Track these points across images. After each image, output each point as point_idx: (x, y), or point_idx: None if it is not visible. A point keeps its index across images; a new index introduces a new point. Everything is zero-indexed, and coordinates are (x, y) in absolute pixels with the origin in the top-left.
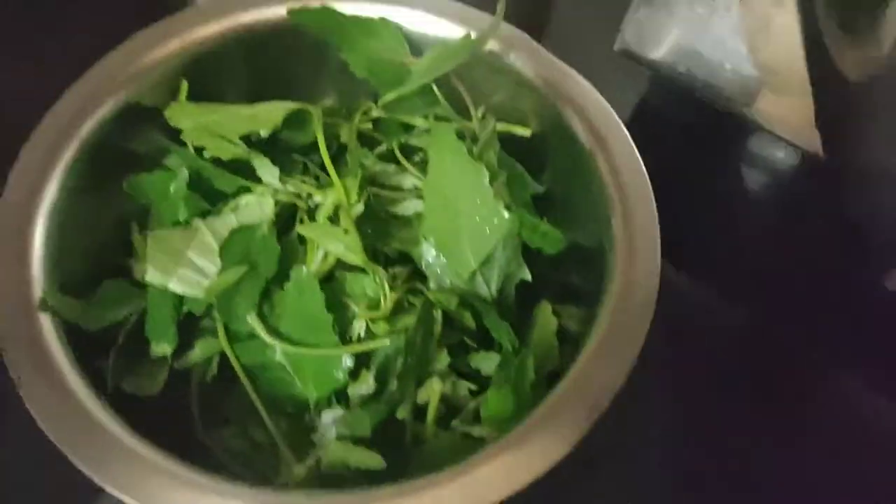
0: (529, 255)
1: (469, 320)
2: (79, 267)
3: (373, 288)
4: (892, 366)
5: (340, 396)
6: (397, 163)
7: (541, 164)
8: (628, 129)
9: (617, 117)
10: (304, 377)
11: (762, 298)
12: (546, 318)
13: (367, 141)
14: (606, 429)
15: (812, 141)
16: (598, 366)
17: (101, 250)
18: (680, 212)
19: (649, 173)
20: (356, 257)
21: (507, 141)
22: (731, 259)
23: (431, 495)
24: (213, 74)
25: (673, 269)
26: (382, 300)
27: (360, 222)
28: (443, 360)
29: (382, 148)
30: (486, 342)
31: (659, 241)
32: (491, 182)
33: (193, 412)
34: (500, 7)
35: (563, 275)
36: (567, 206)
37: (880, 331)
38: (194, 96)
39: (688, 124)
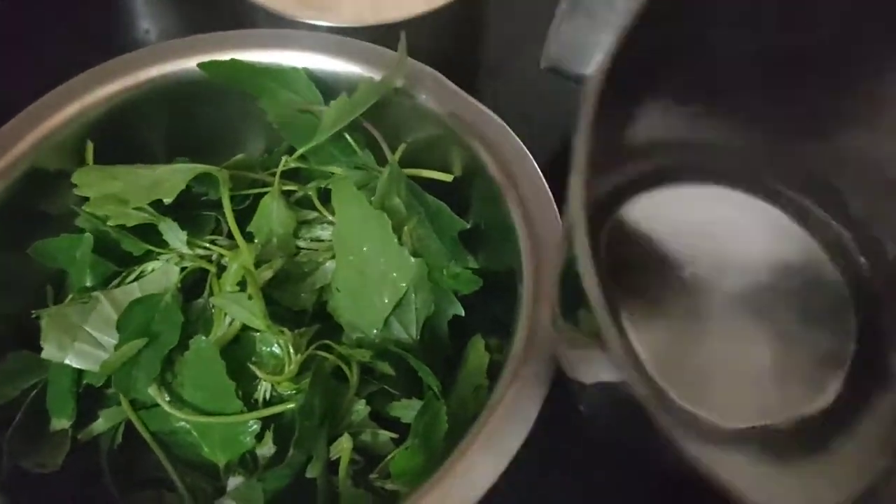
0: None
1: (387, 369)
2: None
3: (278, 349)
4: None
5: (250, 457)
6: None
7: (467, 201)
8: (563, 148)
9: (526, 151)
10: (210, 443)
11: None
12: (477, 354)
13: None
14: None
15: None
16: (506, 410)
17: (18, 315)
18: None
19: None
20: (259, 323)
21: (434, 185)
22: None
23: None
24: (130, 129)
25: None
26: (287, 362)
27: (275, 283)
28: (361, 411)
29: (300, 194)
30: (414, 384)
31: None
32: (397, 228)
33: (106, 480)
34: (402, 47)
35: (492, 307)
36: (489, 240)
37: None
38: (112, 153)
39: None
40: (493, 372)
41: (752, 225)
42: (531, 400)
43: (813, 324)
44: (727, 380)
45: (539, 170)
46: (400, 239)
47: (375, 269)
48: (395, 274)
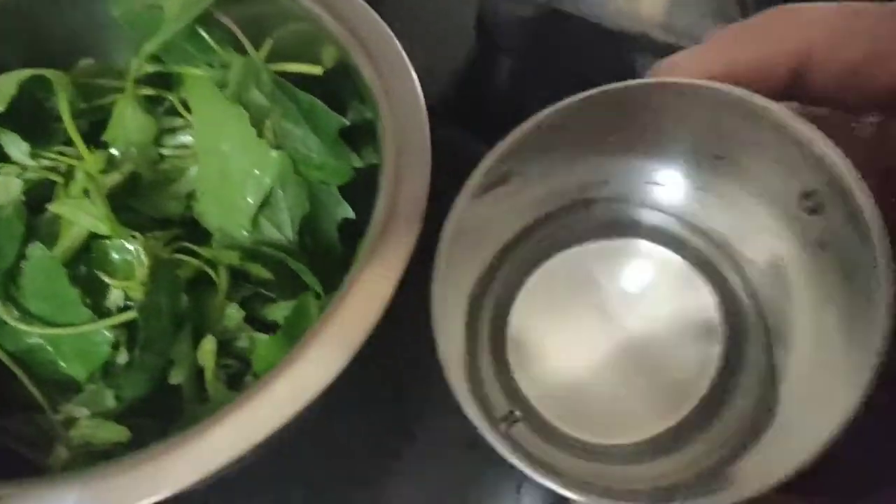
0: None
1: (261, 271)
2: None
3: (131, 255)
4: None
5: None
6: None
7: (346, 98)
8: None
9: (406, 61)
10: (66, 356)
11: None
12: None
13: (155, 99)
14: None
15: None
16: (358, 293)
17: None
18: None
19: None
20: (105, 227)
21: (311, 79)
22: None
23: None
24: None
25: None
26: (137, 268)
27: (137, 192)
28: (234, 315)
29: (168, 105)
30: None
31: (429, 162)
32: (257, 123)
33: None
34: None
35: None
36: (371, 135)
37: None
38: None
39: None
40: None
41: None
42: (385, 281)
43: (681, 356)
44: (603, 407)
45: (415, 77)
46: (262, 134)
47: (237, 168)
48: (257, 171)
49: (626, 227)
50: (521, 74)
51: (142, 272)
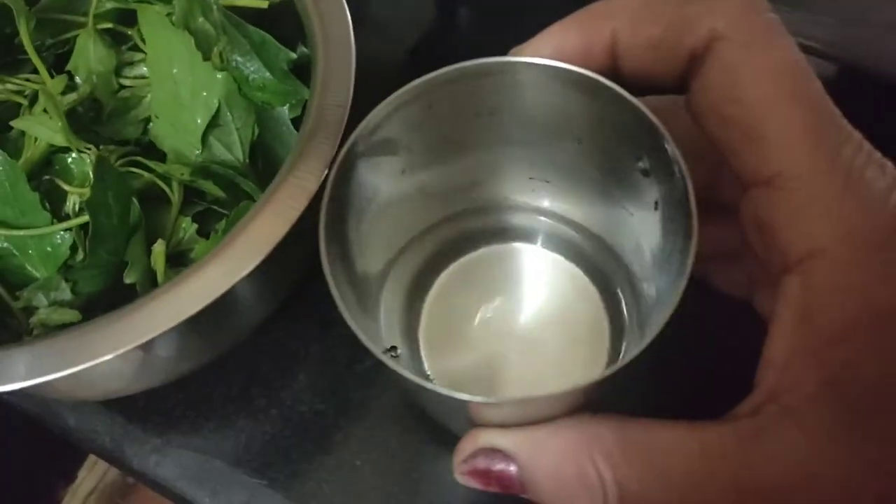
0: None
1: (211, 187)
2: None
3: (87, 166)
4: None
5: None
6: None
7: (293, 33)
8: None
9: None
10: (29, 258)
11: None
12: None
13: (121, 36)
14: None
15: None
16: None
17: None
18: None
19: None
20: (60, 138)
21: (259, 14)
22: None
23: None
24: None
25: None
26: (91, 176)
27: (100, 119)
28: (188, 228)
29: (131, 43)
30: None
31: (352, 76)
32: (205, 49)
33: None
34: None
35: None
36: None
37: None
38: None
39: None
40: None
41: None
42: (301, 191)
43: (577, 349)
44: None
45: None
46: (209, 59)
47: (186, 90)
48: (205, 93)
49: (519, 232)
50: (480, 27)
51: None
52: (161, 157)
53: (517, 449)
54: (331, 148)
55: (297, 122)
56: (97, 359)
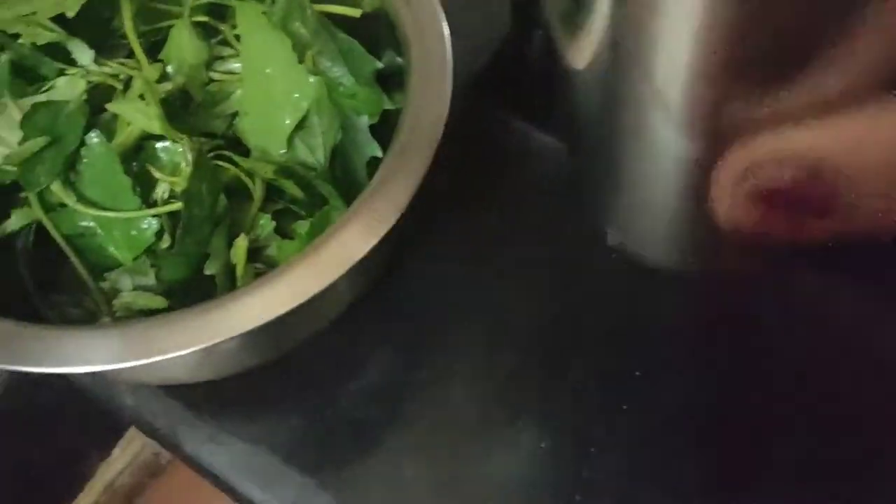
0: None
1: (292, 188)
2: None
3: (178, 155)
4: None
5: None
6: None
7: (382, 42)
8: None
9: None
10: (113, 240)
11: None
12: None
13: (212, 31)
14: None
15: None
16: (373, 202)
17: None
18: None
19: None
20: (156, 126)
21: (352, 22)
22: None
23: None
24: None
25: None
26: (183, 165)
27: (188, 110)
28: (266, 225)
29: (221, 37)
30: None
31: (449, 90)
32: (299, 52)
33: (26, 282)
34: None
35: None
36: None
37: None
38: None
39: None
40: None
41: None
42: (403, 188)
43: None
44: None
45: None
46: (303, 62)
47: (278, 90)
48: (296, 94)
49: None
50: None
51: (187, 170)
52: (244, 152)
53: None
54: (423, 164)
55: (373, 131)
56: (187, 348)
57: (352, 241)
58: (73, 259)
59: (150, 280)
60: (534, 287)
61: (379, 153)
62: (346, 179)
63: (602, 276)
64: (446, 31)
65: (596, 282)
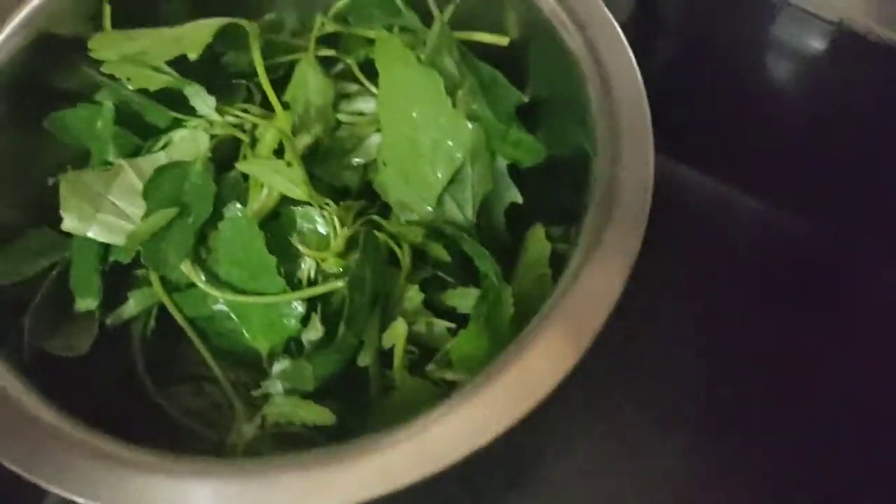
0: (522, 176)
1: (441, 252)
2: (7, 219)
3: (322, 224)
4: None
5: (295, 344)
6: (359, 82)
7: (525, 72)
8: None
9: (606, 12)
10: (251, 327)
11: (785, 192)
12: (538, 242)
13: (326, 62)
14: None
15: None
16: (581, 290)
17: (35, 199)
18: (697, 106)
19: (658, 61)
20: (301, 191)
21: (486, 50)
22: (750, 151)
23: (376, 461)
24: None
25: (684, 165)
26: (332, 237)
27: (313, 155)
28: (414, 298)
29: (341, 66)
30: (471, 274)
31: (651, 146)
32: (450, 91)
33: (140, 372)
34: None
35: (556, 195)
36: (555, 115)
37: None
38: (126, 20)
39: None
40: (558, 263)
41: None
42: (615, 272)
43: None
44: None
45: (620, 32)
46: (455, 104)
47: (427, 138)
48: (449, 142)
49: None
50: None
51: (337, 243)
52: (380, 208)
53: None
54: (636, 241)
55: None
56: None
57: (555, 350)
58: (200, 346)
59: (308, 381)
60: None
61: (518, 198)
62: (488, 233)
63: None
64: (637, 72)
65: None
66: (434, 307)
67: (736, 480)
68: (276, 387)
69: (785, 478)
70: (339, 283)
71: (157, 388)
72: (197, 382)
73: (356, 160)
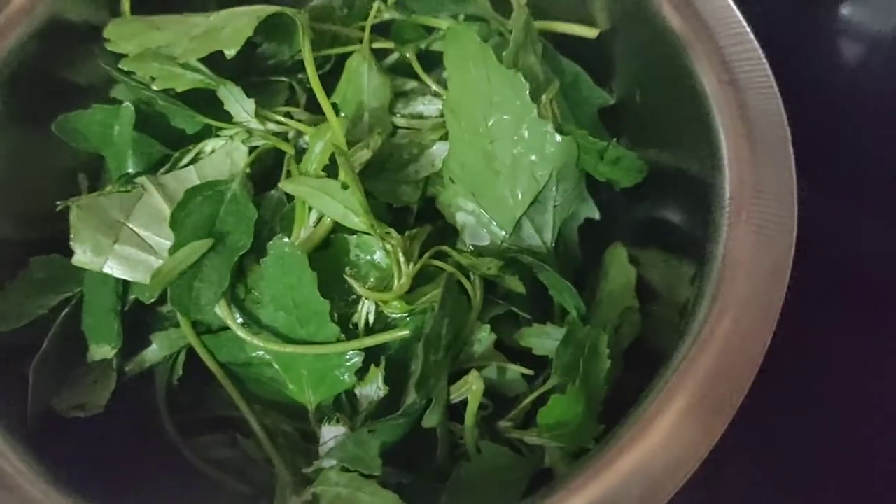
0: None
1: (517, 285)
2: (7, 246)
3: (382, 256)
4: None
5: (347, 398)
6: (417, 79)
7: (610, 70)
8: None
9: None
10: (297, 379)
11: None
12: (620, 267)
13: (377, 53)
14: None
15: None
16: (718, 356)
17: (44, 214)
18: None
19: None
20: (361, 221)
21: (565, 44)
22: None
23: None
24: None
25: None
26: (396, 275)
27: (367, 172)
28: (485, 339)
29: (394, 57)
30: (539, 304)
31: (793, 162)
32: (534, 95)
33: (164, 421)
34: None
35: (646, 209)
36: (650, 120)
37: None
38: (146, 3)
39: None
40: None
41: None
42: (755, 336)
43: None
44: None
45: (737, 10)
46: (541, 112)
47: (506, 152)
48: (533, 157)
49: None
50: None
51: (403, 284)
52: (442, 230)
53: None
54: (776, 306)
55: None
56: None
57: (681, 437)
58: (234, 396)
59: (373, 459)
60: None
61: (596, 215)
62: (564, 258)
63: None
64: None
65: None
66: (502, 346)
67: None
68: (329, 458)
69: None
70: (406, 332)
71: (182, 438)
72: (227, 431)
73: (416, 173)
